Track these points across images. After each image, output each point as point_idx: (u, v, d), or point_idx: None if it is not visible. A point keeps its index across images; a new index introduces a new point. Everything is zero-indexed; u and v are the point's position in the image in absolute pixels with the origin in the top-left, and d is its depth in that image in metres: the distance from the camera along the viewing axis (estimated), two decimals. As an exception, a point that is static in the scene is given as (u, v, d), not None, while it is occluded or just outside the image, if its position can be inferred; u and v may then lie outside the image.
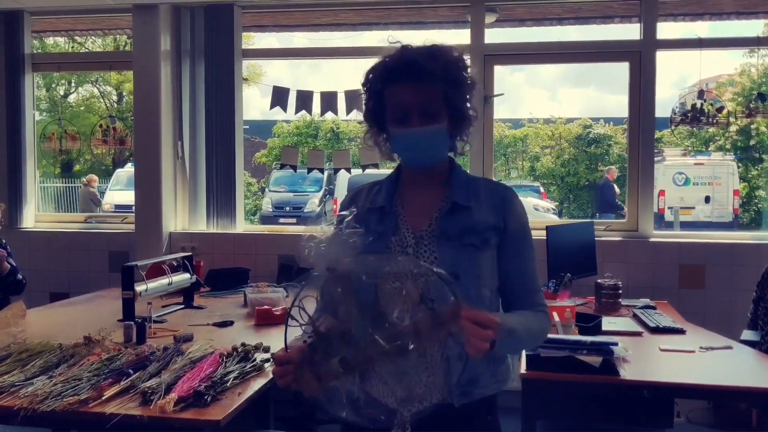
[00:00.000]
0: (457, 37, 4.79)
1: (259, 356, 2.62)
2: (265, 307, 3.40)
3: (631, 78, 4.49)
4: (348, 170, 4.83)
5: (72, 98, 19.55)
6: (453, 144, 1.68)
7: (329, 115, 4.83)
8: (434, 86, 1.55)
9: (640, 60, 4.45)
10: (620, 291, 3.75)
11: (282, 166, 4.87)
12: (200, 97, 4.82)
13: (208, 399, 2.15)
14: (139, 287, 3.35)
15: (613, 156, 16.00)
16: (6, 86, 5.02)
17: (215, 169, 4.79)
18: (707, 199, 13.99)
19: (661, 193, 13.58)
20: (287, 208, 14.65)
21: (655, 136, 4.65)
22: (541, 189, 15.57)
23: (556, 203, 15.90)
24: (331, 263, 1.37)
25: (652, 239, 4.45)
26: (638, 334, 3.20)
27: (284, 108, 4.71)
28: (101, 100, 19.38)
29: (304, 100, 4.70)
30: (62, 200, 16.77)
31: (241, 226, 4.89)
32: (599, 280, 3.80)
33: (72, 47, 14.90)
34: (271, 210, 14.76)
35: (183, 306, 3.80)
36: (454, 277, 1.51)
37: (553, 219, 13.13)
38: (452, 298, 1.34)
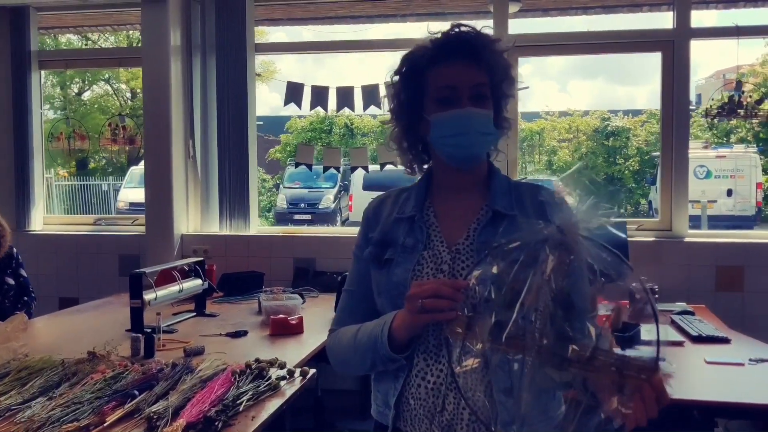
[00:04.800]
0: (479, 28, 4.57)
1: (275, 373, 2.44)
2: (281, 316, 3.22)
3: (663, 69, 4.26)
4: (365, 168, 4.63)
5: (86, 96, 19.48)
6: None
7: (344, 110, 4.63)
8: (484, 70, 1.38)
9: (673, 50, 4.21)
10: (656, 296, 3.53)
11: (297, 165, 4.69)
12: (212, 93, 4.64)
13: (219, 425, 1.97)
14: (148, 296, 3.18)
15: (631, 149, 15.74)
16: (13, 84, 4.87)
17: (228, 168, 4.61)
18: (729, 193, 13.68)
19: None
20: (302, 205, 14.52)
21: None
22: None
23: (575, 197, 15.63)
24: (564, 224, 1.13)
25: (687, 239, 4.23)
26: (680, 344, 2.98)
27: (299, 104, 4.53)
28: (114, 97, 19.29)
29: (319, 96, 4.51)
30: (77, 198, 16.71)
31: (255, 227, 4.72)
32: (634, 284, 3.58)
33: (85, 44, 14.80)
34: (285, 206, 14.64)
35: (194, 314, 3.63)
36: None
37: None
38: (652, 356, 1.09)
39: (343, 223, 14.22)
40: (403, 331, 1.30)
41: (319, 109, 4.66)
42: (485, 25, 1.44)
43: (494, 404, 1.27)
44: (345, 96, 4.49)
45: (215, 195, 4.68)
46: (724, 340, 3.01)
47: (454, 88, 1.37)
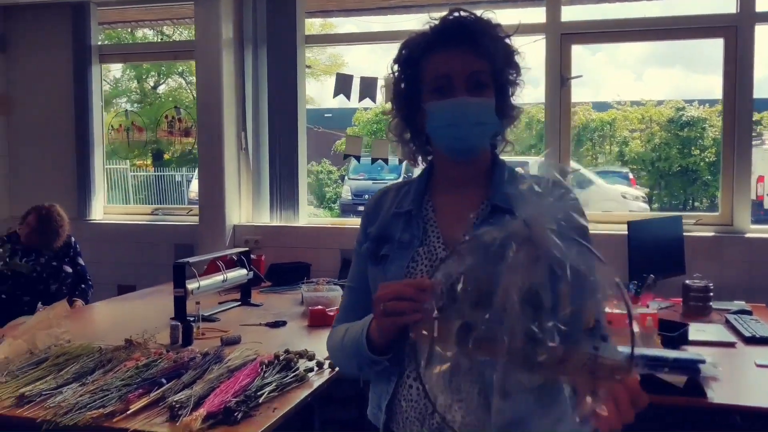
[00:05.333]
0: (532, 15, 4.45)
1: (303, 364, 2.44)
2: (319, 307, 3.22)
3: (725, 55, 4.04)
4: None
5: (161, 89, 20.02)
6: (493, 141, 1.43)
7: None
8: (483, 56, 1.31)
9: (736, 35, 4.00)
10: (711, 293, 3.37)
11: (345, 157, 4.68)
12: (263, 85, 4.68)
13: (239, 416, 1.97)
14: (191, 285, 3.23)
15: (707, 140, 15.09)
16: (74, 78, 5.03)
17: (278, 159, 4.65)
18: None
19: (760, 179, 12.62)
20: (366, 196, 14.55)
21: (754, 118, 4.19)
22: (630, 175, 14.83)
23: (647, 190, 15.12)
24: (530, 217, 1.06)
25: (749, 234, 4.01)
26: (731, 344, 2.83)
27: (348, 96, 4.49)
28: (188, 90, 19.74)
29: (368, 87, 4.48)
30: (152, 189, 17.21)
31: (305, 218, 4.74)
32: (687, 281, 3.43)
33: (160, 38, 15.17)
34: (350, 198, 14.71)
35: (239, 303, 3.67)
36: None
37: (643, 208, 12.45)
38: (626, 355, 1.00)
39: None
40: (377, 335, 1.25)
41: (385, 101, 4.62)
42: (487, 10, 1.37)
43: (486, 407, 1.23)
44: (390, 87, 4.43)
45: (266, 186, 4.72)
46: (779, 342, 2.85)
47: (449, 76, 1.31)
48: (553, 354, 1.02)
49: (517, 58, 1.39)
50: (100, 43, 5.18)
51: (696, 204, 15.10)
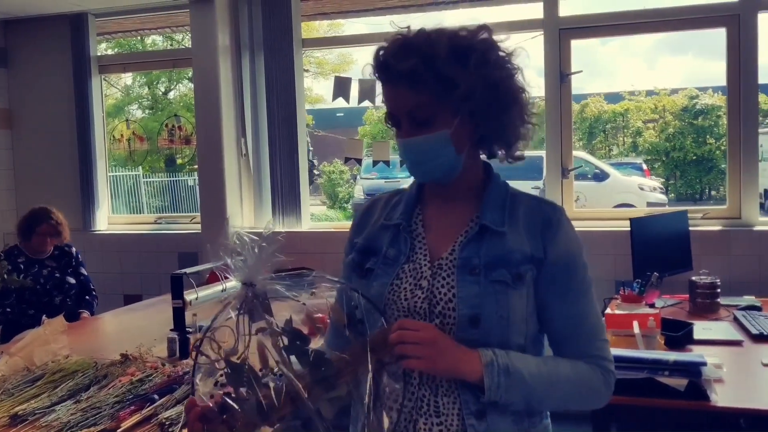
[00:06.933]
0: (530, 11, 4.38)
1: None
2: (319, 315, 3.18)
3: (729, 45, 3.97)
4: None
5: (171, 95, 20.08)
6: (490, 148, 1.34)
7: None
8: (421, 90, 1.21)
9: (739, 24, 3.92)
10: (718, 290, 3.30)
11: (347, 160, 4.64)
12: (261, 91, 4.66)
13: (229, 432, 1.94)
14: (189, 296, 3.21)
15: (722, 128, 14.92)
16: (75, 89, 5.03)
17: (279, 164, 4.62)
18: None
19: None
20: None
21: (761, 106, 4.11)
22: (644, 166, 14.68)
23: (662, 180, 14.97)
24: (247, 278, 1.15)
25: (758, 228, 3.93)
26: (738, 343, 2.76)
27: (347, 99, 4.46)
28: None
29: (367, 89, 4.44)
30: (167, 193, 17.26)
31: (307, 224, 4.72)
32: (693, 278, 3.36)
33: (170, 45, 15.21)
34: (362, 197, 14.70)
35: (241, 312, 3.64)
36: (476, 321, 1.22)
37: (661, 199, 12.34)
38: (381, 323, 1.19)
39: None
40: None
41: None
42: (439, 18, 1.32)
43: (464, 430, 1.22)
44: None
45: (268, 192, 4.70)
46: (788, 339, 2.78)
47: (393, 114, 1.28)
48: (336, 360, 1.13)
49: (492, 55, 1.25)
50: (102, 53, 5.19)
51: (713, 193, 14.96)
